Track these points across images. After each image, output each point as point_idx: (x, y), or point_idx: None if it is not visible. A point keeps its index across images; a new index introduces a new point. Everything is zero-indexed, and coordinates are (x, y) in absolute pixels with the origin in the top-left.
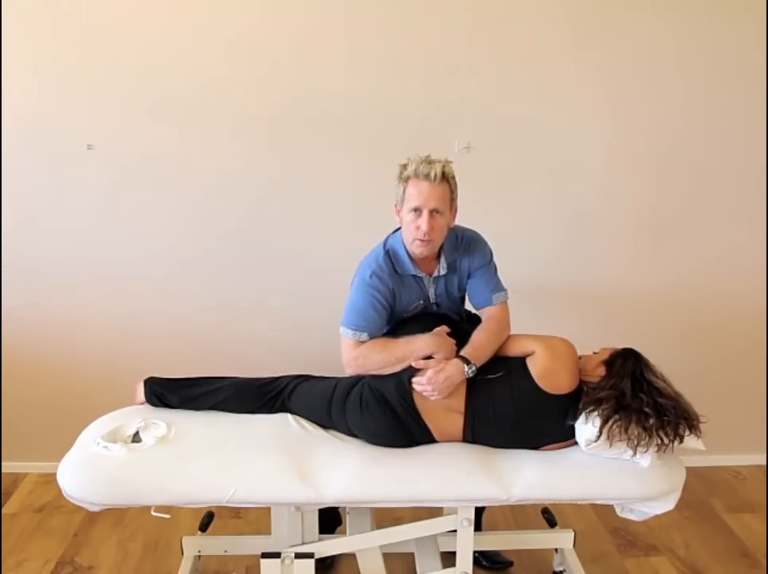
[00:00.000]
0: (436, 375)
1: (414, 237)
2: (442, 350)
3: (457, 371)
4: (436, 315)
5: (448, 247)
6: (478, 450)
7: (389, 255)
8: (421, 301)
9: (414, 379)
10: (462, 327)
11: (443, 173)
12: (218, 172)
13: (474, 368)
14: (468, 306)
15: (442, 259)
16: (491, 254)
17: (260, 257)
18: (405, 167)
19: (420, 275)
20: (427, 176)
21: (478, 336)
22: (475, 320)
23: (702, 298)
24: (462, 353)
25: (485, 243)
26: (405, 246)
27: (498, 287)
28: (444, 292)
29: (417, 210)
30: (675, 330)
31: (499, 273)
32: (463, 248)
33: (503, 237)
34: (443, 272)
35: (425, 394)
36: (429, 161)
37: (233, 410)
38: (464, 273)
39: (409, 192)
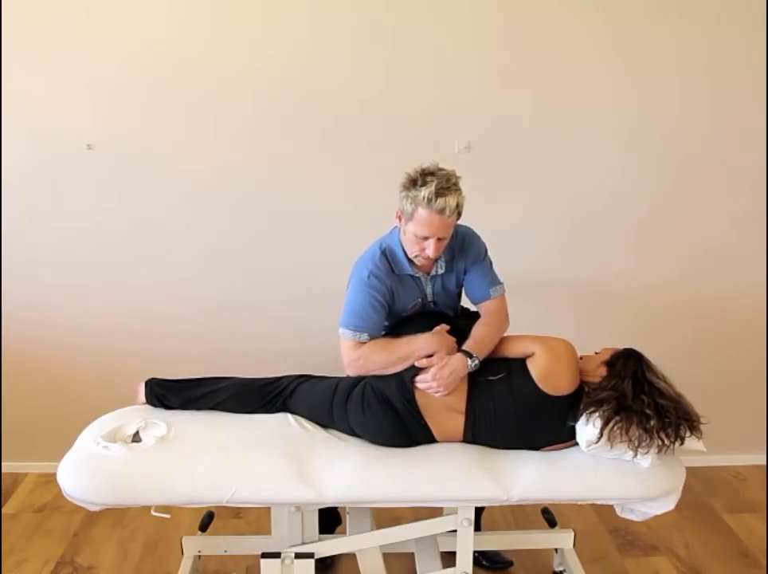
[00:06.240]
0: (441, 370)
1: (418, 254)
2: (443, 348)
3: (461, 364)
4: (435, 313)
5: (445, 246)
6: (478, 450)
7: (386, 255)
8: (419, 300)
9: (418, 378)
10: (458, 323)
11: (456, 206)
12: (219, 173)
13: (477, 362)
14: (464, 301)
15: (440, 258)
16: (486, 249)
17: (260, 258)
18: (414, 182)
19: (417, 275)
20: (441, 211)
21: (479, 329)
22: (469, 315)
23: (702, 298)
24: (464, 347)
25: (479, 238)
26: (402, 247)
27: (494, 281)
28: (441, 289)
29: (425, 238)
30: (675, 330)
31: (499, 272)
32: (458, 245)
33: (504, 238)
34: (441, 271)
35: (430, 391)
36: (442, 189)
37: (234, 410)
38: (461, 269)
39: (418, 217)
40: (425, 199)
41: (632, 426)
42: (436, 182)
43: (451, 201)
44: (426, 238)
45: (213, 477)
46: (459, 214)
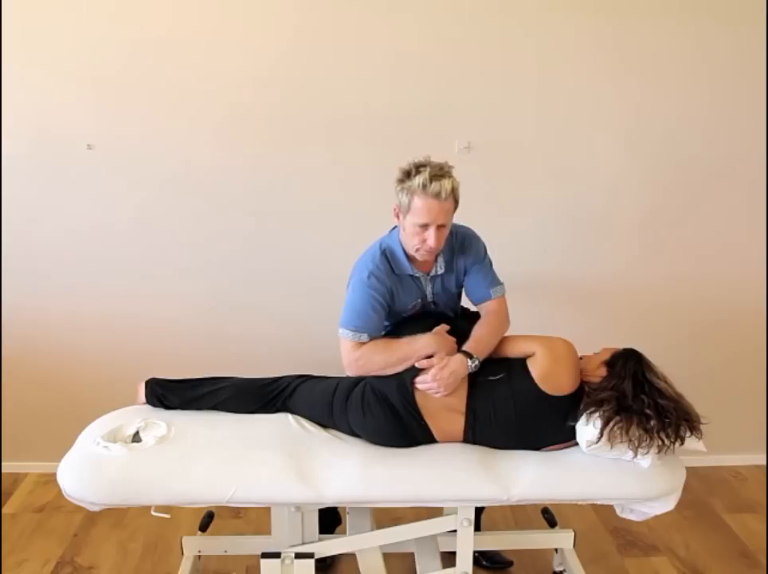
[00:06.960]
0: (441, 371)
1: (419, 247)
2: (443, 349)
3: (461, 365)
4: (435, 313)
5: (445, 246)
6: (478, 450)
7: (386, 255)
8: (419, 300)
9: (418, 379)
10: (459, 324)
11: (451, 189)
12: (218, 173)
13: (477, 362)
14: (464, 301)
15: (440, 258)
16: (486, 249)
17: (261, 258)
18: (408, 174)
19: (417, 275)
20: (437, 195)
21: (479, 330)
22: (469, 316)
23: (702, 299)
24: (464, 348)
25: (479, 239)
26: (402, 246)
27: (495, 281)
28: (441, 290)
29: (425, 226)
30: (675, 330)
31: (499, 272)
32: (458, 245)
33: (503, 238)
34: (441, 271)
35: (430, 392)
36: (436, 175)
37: (234, 410)
38: (461, 270)
39: (415, 206)
40: (420, 185)
41: (632, 426)
42: (429, 170)
43: (446, 184)
44: (426, 226)
45: (213, 477)
46: (456, 201)
